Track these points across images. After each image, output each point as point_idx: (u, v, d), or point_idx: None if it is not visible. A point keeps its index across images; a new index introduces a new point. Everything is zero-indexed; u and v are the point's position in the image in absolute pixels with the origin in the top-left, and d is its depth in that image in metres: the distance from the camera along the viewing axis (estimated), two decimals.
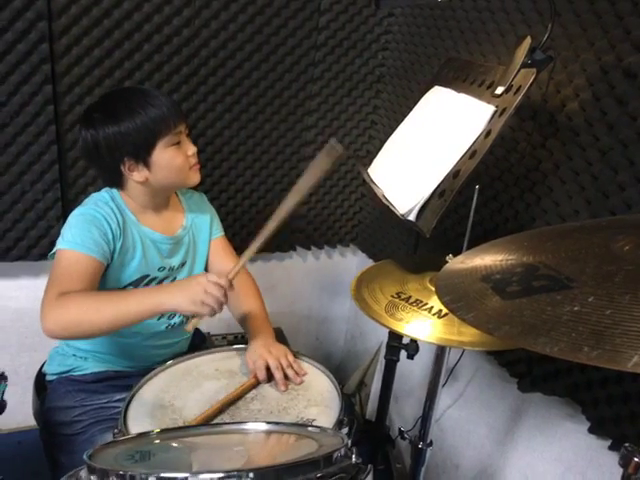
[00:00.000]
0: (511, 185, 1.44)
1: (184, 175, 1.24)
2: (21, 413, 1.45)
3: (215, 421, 1.04)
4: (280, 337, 1.99)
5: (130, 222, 1.26)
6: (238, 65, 1.82)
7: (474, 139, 1.13)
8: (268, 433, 0.82)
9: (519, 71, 1.13)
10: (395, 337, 1.56)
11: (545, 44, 1.11)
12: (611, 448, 1.19)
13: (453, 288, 0.63)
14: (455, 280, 0.65)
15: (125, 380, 1.31)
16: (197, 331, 1.54)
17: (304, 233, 2.17)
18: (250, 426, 0.84)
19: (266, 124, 1.93)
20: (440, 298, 0.64)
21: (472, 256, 0.74)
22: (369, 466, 0.67)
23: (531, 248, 0.67)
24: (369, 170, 1.54)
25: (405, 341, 1.50)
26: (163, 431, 0.85)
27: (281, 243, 2.14)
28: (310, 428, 0.86)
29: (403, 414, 2.07)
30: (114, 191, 1.27)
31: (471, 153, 1.13)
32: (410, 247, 1.69)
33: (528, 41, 1.10)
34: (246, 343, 1.32)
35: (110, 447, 0.73)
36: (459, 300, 0.59)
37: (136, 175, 1.20)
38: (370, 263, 2.21)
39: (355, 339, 2.45)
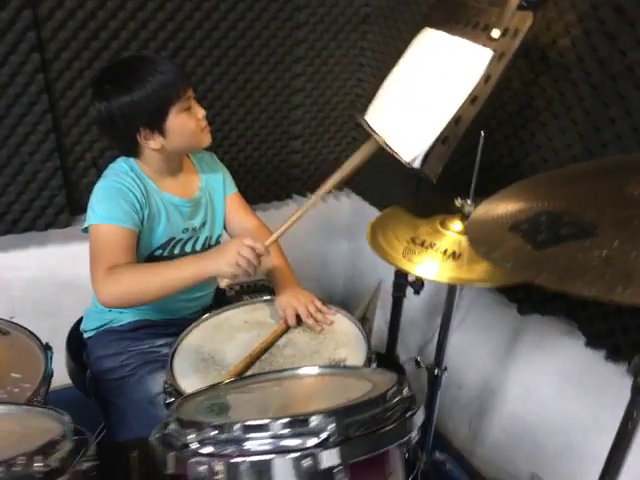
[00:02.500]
0: (504, 122, 1.49)
1: (197, 138, 1.29)
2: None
3: (253, 368, 1.13)
4: None
5: (151, 190, 1.31)
6: (223, 17, 1.79)
7: (474, 84, 1.17)
8: (324, 376, 0.91)
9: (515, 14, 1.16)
10: (401, 276, 1.66)
11: None
12: (607, 358, 1.32)
13: (487, 239, 0.70)
14: (486, 231, 0.72)
15: (162, 328, 1.40)
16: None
17: (300, 180, 2.21)
18: (306, 370, 0.92)
19: (255, 75, 1.93)
20: (477, 249, 0.71)
21: (491, 205, 0.81)
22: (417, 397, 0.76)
23: (547, 195, 0.74)
24: (366, 117, 1.57)
25: (411, 279, 1.59)
26: (230, 382, 0.94)
27: (278, 192, 2.19)
28: (364, 370, 0.95)
29: (406, 342, 2.20)
30: (131, 160, 1.31)
31: (472, 99, 1.17)
32: (408, 190, 1.75)
33: None
34: (265, 291, 1.40)
35: (187, 401, 0.82)
36: (495, 250, 0.67)
37: (152, 143, 1.25)
38: (364, 205, 2.28)
39: (354, 279, 2.55)
